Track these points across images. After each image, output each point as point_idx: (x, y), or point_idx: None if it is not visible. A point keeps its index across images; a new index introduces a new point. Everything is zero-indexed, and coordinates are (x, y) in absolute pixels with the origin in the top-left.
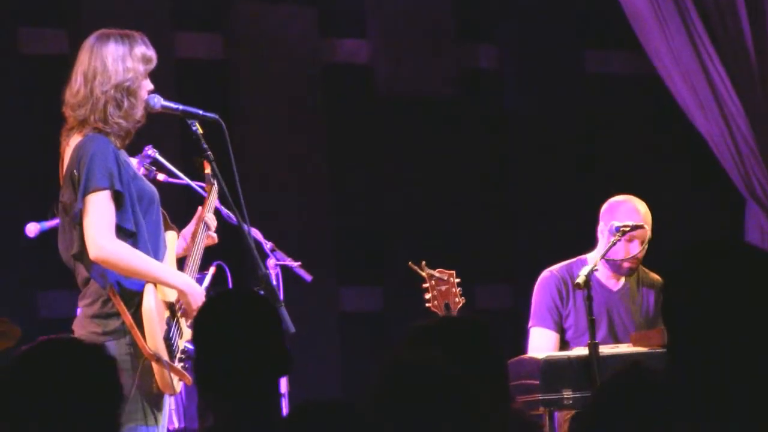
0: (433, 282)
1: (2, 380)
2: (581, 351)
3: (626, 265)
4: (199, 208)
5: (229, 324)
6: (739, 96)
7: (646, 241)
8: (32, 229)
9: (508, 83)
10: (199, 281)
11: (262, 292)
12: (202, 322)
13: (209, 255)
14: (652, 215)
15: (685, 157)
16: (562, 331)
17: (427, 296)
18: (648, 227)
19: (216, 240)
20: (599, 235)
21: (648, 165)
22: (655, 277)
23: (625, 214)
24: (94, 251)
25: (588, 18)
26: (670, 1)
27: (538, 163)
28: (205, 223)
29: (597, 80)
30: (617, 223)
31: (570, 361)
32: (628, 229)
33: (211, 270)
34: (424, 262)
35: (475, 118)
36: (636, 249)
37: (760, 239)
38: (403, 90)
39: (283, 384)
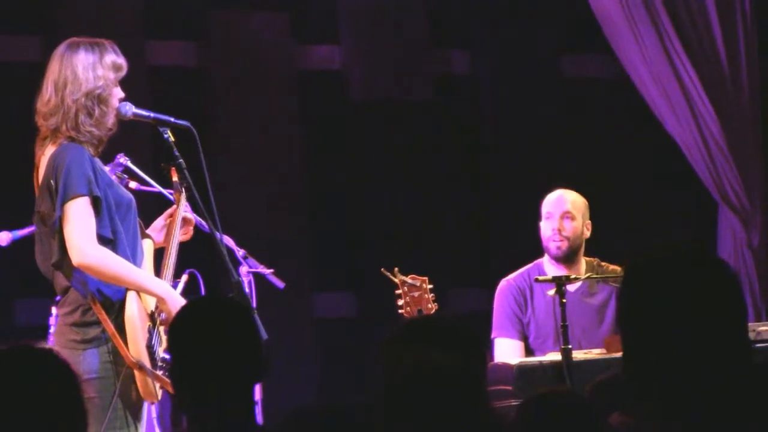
0: (405, 288)
1: None
2: (554, 356)
3: (552, 244)
4: (171, 208)
5: (204, 330)
6: (710, 100)
7: (566, 216)
8: (4, 237)
9: (483, 88)
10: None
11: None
12: (178, 328)
13: (182, 263)
14: (625, 219)
15: (658, 161)
16: (525, 338)
17: (400, 303)
18: (568, 205)
19: (191, 233)
20: None
21: (622, 169)
22: (614, 269)
23: (546, 201)
24: (77, 257)
25: (563, 22)
26: (641, 5)
27: (513, 167)
28: (184, 218)
29: (572, 84)
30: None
31: (543, 366)
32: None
33: (184, 278)
34: (396, 269)
35: (450, 123)
36: (555, 224)
37: (732, 243)
38: (378, 96)
39: (257, 391)
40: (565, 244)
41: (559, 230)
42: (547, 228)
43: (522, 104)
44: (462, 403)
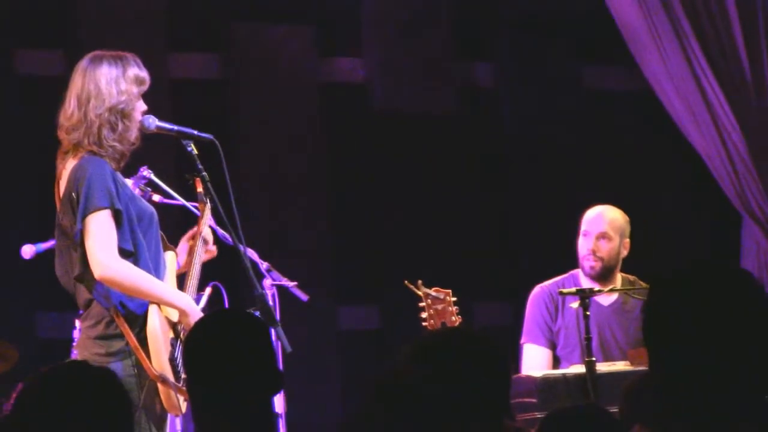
0: (429, 301)
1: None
2: (578, 369)
3: (586, 263)
4: (192, 228)
5: (218, 343)
6: (734, 112)
7: (603, 237)
8: (27, 251)
9: (506, 100)
10: (196, 302)
11: (257, 313)
12: (192, 342)
13: (205, 276)
14: (648, 232)
15: (681, 173)
16: (553, 347)
17: (424, 315)
18: (606, 225)
19: (215, 252)
20: None
21: (645, 181)
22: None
23: (585, 217)
24: (98, 270)
25: (585, 34)
26: (665, 17)
27: (536, 180)
28: (203, 238)
29: (594, 96)
30: None
31: (567, 378)
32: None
33: (207, 291)
34: (420, 281)
35: (472, 136)
36: (590, 244)
37: (756, 255)
38: (401, 108)
39: (280, 404)
40: (598, 265)
41: (594, 251)
42: (582, 246)
43: (544, 116)
44: (473, 419)
